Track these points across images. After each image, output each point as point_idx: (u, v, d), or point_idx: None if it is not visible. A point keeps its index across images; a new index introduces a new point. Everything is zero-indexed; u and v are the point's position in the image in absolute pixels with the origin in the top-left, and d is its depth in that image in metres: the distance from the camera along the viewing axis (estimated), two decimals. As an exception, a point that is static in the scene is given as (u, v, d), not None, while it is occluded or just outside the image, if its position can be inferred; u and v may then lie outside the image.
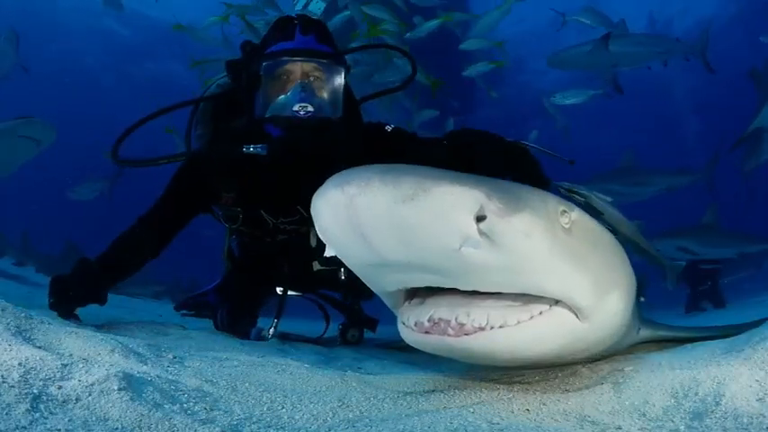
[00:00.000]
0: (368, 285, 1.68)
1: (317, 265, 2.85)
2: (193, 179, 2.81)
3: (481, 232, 1.30)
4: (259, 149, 2.50)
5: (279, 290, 3.01)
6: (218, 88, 2.94)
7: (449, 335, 1.48)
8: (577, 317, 1.51)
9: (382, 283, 1.60)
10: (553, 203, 1.46)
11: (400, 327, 1.66)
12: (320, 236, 1.50)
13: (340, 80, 2.53)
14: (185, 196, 2.87)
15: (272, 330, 2.85)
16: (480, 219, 1.30)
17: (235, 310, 3.02)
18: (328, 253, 1.52)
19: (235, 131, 2.73)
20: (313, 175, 2.53)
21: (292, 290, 3.07)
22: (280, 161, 2.55)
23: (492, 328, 1.46)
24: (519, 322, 1.46)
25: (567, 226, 1.46)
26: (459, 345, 1.48)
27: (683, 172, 9.18)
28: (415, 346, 1.64)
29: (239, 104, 2.72)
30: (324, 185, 1.40)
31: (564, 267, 1.43)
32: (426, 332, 1.53)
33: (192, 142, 2.92)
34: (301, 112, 2.40)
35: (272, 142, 2.52)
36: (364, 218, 1.32)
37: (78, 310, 2.56)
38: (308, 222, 2.73)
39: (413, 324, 1.57)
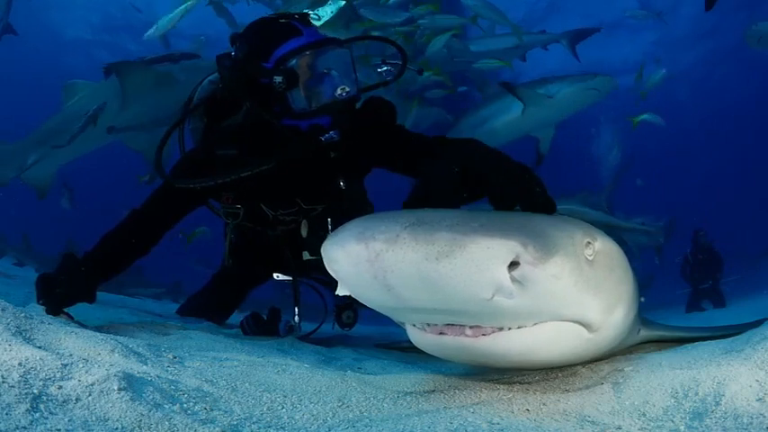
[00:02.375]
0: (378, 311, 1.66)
1: (306, 255, 2.94)
2: (179, 195, 2.82)
3: (513, 279, 1.30)
4: (333, 135, 2.59)
5: (275, 276, 3.11)
6: (210, 84, 2.96)
7: (466, 335, 1.47)
8: (586, 330, 1.54)
9: (399, 319, 1.60)
10: (579, 238, 1.47)
11: (410, 329, 1.64)
12: (332, 275, 1.48)
13: (352, 60, 2.69)
14: (181, 194, 2.86)
15: (296, 319, 2.97)
16: (513, 264, 1.29)
17: (222, 300, 3.23)
18: (340, 292, 1.51)
19: (239, 131, 2.75)
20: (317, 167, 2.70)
21: (288, 275, 3.16)
22: (350, 141, 2.67)
23: (510, 329, 1.46)
24: (535, 324, 1.47)
25: (590, 258, 1.47)
26: (477, 345, 1.47)
27: (573, 195, 9.12)
28: (427, 350, 1.62)
29: (234, 102, 2.74)
30: (341, 234, 1.37)
31: (584, 298, 1.45)
32: (441, 333, 1.51)
33: (185, 136, 2.96)
34: (343, 94, 2.54)
35: (335, 126, 2.62)
36: (391, 273, 1.29)
37: (74, 311, 2.55)
38: (306, 212, 2.85)
39: (425, 325, 1.55)
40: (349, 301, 3.16)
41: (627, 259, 1.71)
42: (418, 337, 1.60)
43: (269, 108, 2.62)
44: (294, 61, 2.53)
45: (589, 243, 1.49)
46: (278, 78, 2.51)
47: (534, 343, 1.48)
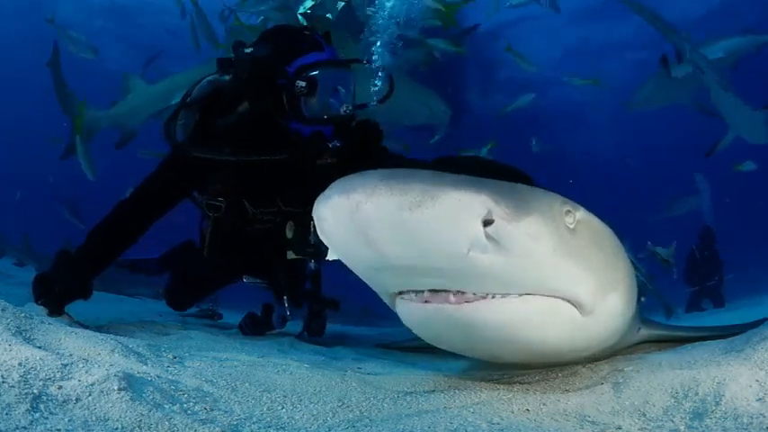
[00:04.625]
0: (369, 285, 1.67)
1: (291, 255, 3.07)
2: (184, 170, 2.92)
3: (488, 236, 1.30)
4: (337, 143, 2.86)
5: (245, 279, 3.36)
6: (209, 84, 3.05)
7: (450, 302, 1.46)
8: (579, 311, 1.51)
9: (385, 286, 1.59)
10: (558, 204, 1.47)
11: (398, 303, 1.62)
12: (322, 239, 1.50)
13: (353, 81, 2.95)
14: (172, 185, 2.95)
15: (287, 310, 3.13)
16: (488, 222, 1.29)
17: (191, 289, 3.49)
18: (330, 257, 1.53)
19: (239, 131, 2.87)
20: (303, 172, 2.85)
21: (261, 278, 3.37)
22: (350, 149, 2.92)
23: (494, 297, 1.44)
24: (521, 295, 1.44)
25: (571, 226, 1.47)
26: (460, 313, 1.45)
27: None
28: (412, 322, 1.61)
29: (229, 102, 2.89)
30: (327, 191, 1.40)
31: (568, 267, 1.44)
32: (426, 302, 1.50)
33: (176, 129, 3.02)
34: (347, 111, 2.83)
35: (343, 135, 2.89)
36: (370, 224, 1.32)
37: (74, 311, 2.55)
38: (284, 214, 3.01)
39: (412, 295, 1.53)
40: (319, 309, 3.26)
41: (621, 246, 1.70)
42: (404, 309, 1.59)
43: (280, 109, 2.79)
44: (316, 72, 2.77)
45: (569, 212, 1.49)
46: (300, 84, 2.73)
47: (520, 314, 1.45)
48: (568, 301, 1.49)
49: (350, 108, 2.83)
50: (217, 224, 3.10)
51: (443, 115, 8.05)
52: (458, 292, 1.46)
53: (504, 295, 1.44)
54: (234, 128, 2.87)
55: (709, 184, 11.77)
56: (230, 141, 2.83)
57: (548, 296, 1.47)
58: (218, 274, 3.53)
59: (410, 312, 1.59)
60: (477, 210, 1.28)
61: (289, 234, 3.02)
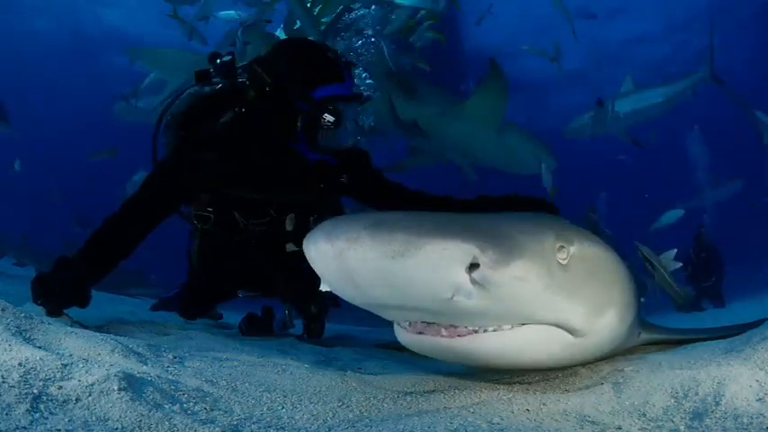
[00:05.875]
0: None
1: (291, 247, 3.03)
2: (168, 189, 2.86)
3: (474, 281, 1.31)
4: (344, 179, 2.99)
5: (240, 294, 3.33)
6: (190, 97, 2.99)
7: (442, 335, 1.50)
8: (572, 335, 1.54)
9: (378, 313, 1.63)
10: (550, 242, 1.46)
11: (396, 327, 1.68)
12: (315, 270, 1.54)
13: None
14: (165, 197, 2.88)
15: (287, 313, 3.20)
16: (474, 266, 1.30)
17: (198, 306, 3.44)
18: (323, 288, 1.56)
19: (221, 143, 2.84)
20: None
21: (255, 291, 3.32)
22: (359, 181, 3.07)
23: (485, 330, 1.48)
24: (513, 327, 1.48)
25: (564, 262, 1.47)
26: (452, 346, 1.50)
27: None
28: (409, 347, 1.65)
29: (209, 110, 2.86)
30: (313, 234, 1.43)
31: (559, 301, 1.45)
32: (420, 332, 1.54)
33: (158, 148, 3.00)
34: (351, 143, 2.87)
35: (341, 170, 2.97)
36: (355, 271, 1.35)
37: (74, 311, 2.54)
38: (275, 223, 2.98)
39: (407, 324, 1.59)
40: (316, 313, 3.26)
41: (620, 261, 1.69)
42: (402, 335, 1.64)
43: (290, 131, 2.76)
44: (342, 107, 2.77)
45: (562, 247, 1.47)
46: (329, 117, 2.72)
47: (511, 346, 1.49)
48: (561, 327, 1.51)
49: (358, 139, 2.87)
50: (205, 237, 3.04)
51: (550, 166, 8.26)
52: (449, 325, 1.50)
53: (495, 328, 1.47)
54: (217, 140, 2.80)
55: (704, 145, 11.78)
56: (220, 150, 2.78)
57: (539, 324, 1.49)
58: (212, 288, 3.45)
59: (406, 339, 1.63)
60: (460, 258, 1.29)
61: (289, 227, 3.00)
